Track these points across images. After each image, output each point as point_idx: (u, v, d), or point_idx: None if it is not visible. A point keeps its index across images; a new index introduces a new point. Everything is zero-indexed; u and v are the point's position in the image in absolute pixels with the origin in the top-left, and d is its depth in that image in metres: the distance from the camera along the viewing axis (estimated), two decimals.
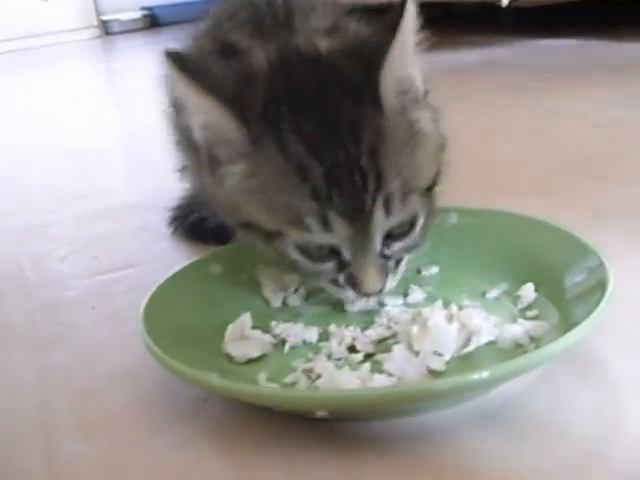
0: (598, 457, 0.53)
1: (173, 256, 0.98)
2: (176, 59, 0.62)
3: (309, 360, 0.66)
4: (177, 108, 0.88)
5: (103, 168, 1.54)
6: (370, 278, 0.64)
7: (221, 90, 0.62)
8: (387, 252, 0.65)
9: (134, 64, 3.01)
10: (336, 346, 0.66)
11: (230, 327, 0.69)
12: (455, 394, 0.55)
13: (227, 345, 0.68)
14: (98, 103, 2.38)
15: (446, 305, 0.68)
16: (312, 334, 0.69)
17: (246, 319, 0.70)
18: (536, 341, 0.63)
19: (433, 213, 0.68)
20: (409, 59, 0.64)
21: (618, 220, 0.92)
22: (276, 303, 0.76)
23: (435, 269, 0.79)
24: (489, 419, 0.58)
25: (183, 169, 0.99)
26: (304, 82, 0.63)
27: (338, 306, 0.73)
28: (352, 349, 0.66)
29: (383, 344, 0.67)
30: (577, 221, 0.79)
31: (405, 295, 0.75)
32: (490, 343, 0.64)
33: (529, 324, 0.65)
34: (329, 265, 0.65)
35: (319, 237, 0.62)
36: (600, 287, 0.61)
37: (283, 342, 0.69)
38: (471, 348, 0.63)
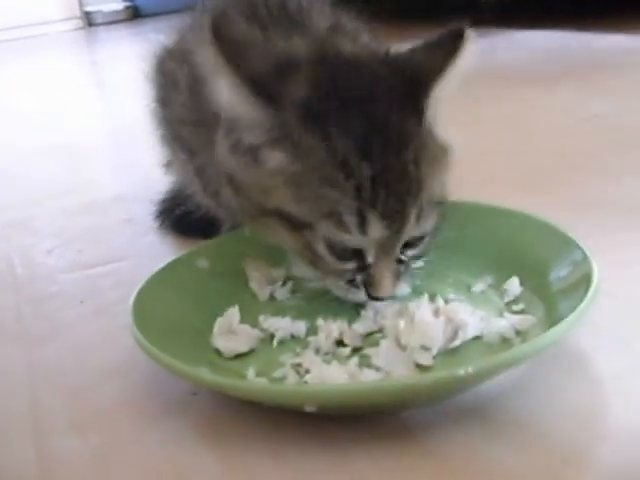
0: (582, 454, 0.54)
1: (159, 250, 0.98)
2: (218, 24, 0.62)
3: (297, 354, 0.66)
4: (164, 102, 0.88)
5: (89, 161, 1.54)
6: (387, 282, 0.65)
7: (251, 71, 0.62)
8: (402, 258, 0.66)
9: (117, 55, 2.99)
10: (324, 340, 0.67)
11: (218, 321, 0.70)
12: (442, 389, 0.56)
13: (216, 339, 0.68)
14: (82, 95, 2.36)
15: (432, 299, 0.68)
16: (300, 328, 0.70)
17: (234, 313, 0.70)
18: (522, 335, 0.64)
19: (439, 228, 0.69)
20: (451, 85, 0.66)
21: (601, 214, 0.93)
22: (263, 296, 0.77)
23: (420, 262, 0.79)
24: (473, 415, 0.58)
25: (168, 163, 1.00)
26: (350, 81, 0.64)
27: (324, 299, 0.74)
28: (340, 343, 0.67)
29: (370, 338, 0.67)
30: (561, 215, 0.79)
31: None
32: (476, 337, 0.65)
33: (515, 318, 0.66)
34: (350, 265, 0.66)
35: (352, 237, 0.62)
36: (585, 282, 0.62)
37: (271, 336, 0.69)
38: (458, 342, 0.64)
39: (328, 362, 0.63)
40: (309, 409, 0.54)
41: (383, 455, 0.55)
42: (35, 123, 1.97)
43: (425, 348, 0.62)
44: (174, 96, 0.84)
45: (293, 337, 0.69)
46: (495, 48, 2.23)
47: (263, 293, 0.77)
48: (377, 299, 0.67)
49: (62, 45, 3.65)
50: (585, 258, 0.66)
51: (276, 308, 0.74)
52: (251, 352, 0.68)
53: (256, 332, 0.69)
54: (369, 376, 0.60)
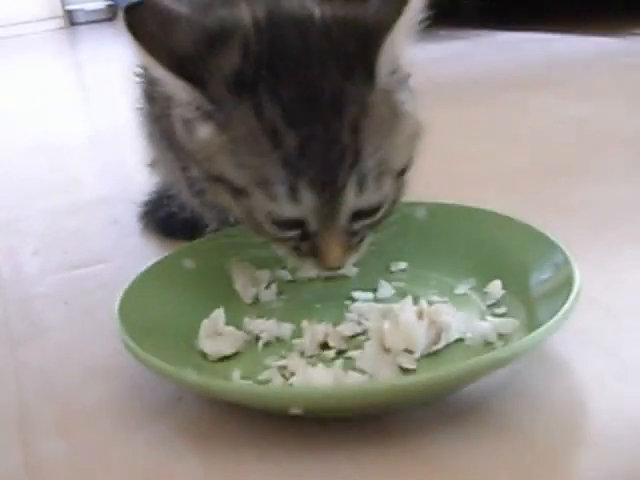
0: (564, 457, 0.55)
1: (144, 251, 0.98)
2: (131, 12, 0.60)
3: (282, 357, 0.67)
4: (150, 99, 0.88)
5: (72, 162, 1.53)
6: (333, 252, 0.63)
7: (171, 52, 0.60)
8: (353, 228, 0.64)
9: (99, 55, 2.99)
10: (309, 343, 0.67)
11: (204, 323, 0.70)
12: (425, 392, 0.57)
13: (201, 342, 0.69)
14: (65, 95, 2.36)
15: (416, 301, 0.69)
16: (285, 331, 0.70)
17: (220, 315, 0.71)
18: (505, 338, 0.65)
19: (400, 198, 0.67)
20: (408, 39, 0.63)
21: (584, 218, 0.94)
22: (248, 298, 0.77)
23: (403, 264, 0.80)
24: (456, 418, 0.59)
25: (154, 163, 1.00)
26: (291, 46, 0.61)
27: (310, 302, 0.75)
28: (324, 345, 0.68)
29: (355, 340, 0.68)
30: (543, 218, 0.80)
31: (374, 290, 0.76)
32: (459, 340, 0.66)
33: (497, 321, 0.66)
34: (292, 233, 0.64)
35: (285, 207, 0.61)
36: (567, 286, 0.63)
37: (256, 339, 0.70)
38: (441, 345, 0.64)
39: (313, 365, 0.64)
40: (295, 412, 0.55)
41: (367, 458, 0.56)
42: (17, 123, 1.97)
43: (409, 351, 0.63)
44: (159, 90, 0.83)
45: (278, 339, 0.70)
46: (477, 50, 2.25)
47: (248, 295, 0.77)
48: (328, 270, 0.65)
49: (44, 44, 3.64)
50: (567, 262, 0.66)
51: (261, 310, 0.75)
52: (236, 354, 0.69)
53: (241, 334, 0.70)
54: (354, 379, 0.60)
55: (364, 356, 0.63)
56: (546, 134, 1.33)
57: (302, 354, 0.67)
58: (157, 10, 0.62)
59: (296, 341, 0.69)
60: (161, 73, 0.61)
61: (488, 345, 0.65)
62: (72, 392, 0.69)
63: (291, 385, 0.61)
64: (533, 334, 0.57)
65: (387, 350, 0.64)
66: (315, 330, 0.68)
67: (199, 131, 0.64)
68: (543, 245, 0.72)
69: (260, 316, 0.73)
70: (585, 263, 0.67)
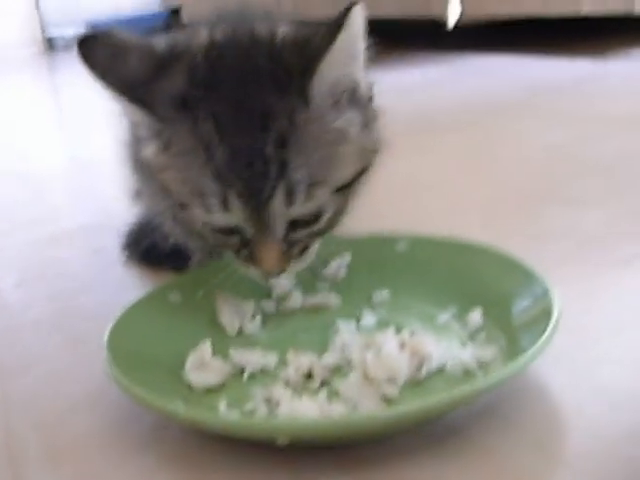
0: (542, 478, 0.56)
1: (128, 282, 1.00)
2: (84, 43, 0.66)
3: (267, 388, 0.68)
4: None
5: (51, 190, 1.54)
6: (269, 259, 0.67)
7: (121, 77, 0.66)
8: (292, 237, 0.67)
9: (78, 81, 2.97)
10: (293, 373, 0.68)
11: (191, 356, 0.71)
12: (408, 422, 0.59)
13: (188, 373, 0.70)
14: (43, 122, 2.37)
15: (398, 331, 0.71)
16: (270, 361, 0.71)
17: (206, 347, 0.72)
18: (485, 366, 0.66)
19: (345, 209, 0.71)
20: (351, 61, 0.66)
21: (563, 245, 0.95)
22: (233, 330, 0.78)
23: (386, 293, 0.82)
24: (437, 443, 0.60)
25: (138, 192, 1.01)
26: (234, 66, 0.66)
27: (294, 332, 0.77)
28: (309, 375, 0.69)
29: (338, 370, 0.69)
30: (523, 245, 0.82)
31: (358, 320, 0.77)
32: (440, 368, 0.67)
33: (478, 350, 0.68)
34: (234, 239, 0.68)
35: (219, 217, 0.66)
36: (546, 314, 0.65)
37: (242, 370, 0.71)
38: (422, 375, 0.66)
39: (299, 395, 0.65)
40: (282, 442, 0.56)
41: None
42: None
43: (391, 381, 0.65)
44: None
45: (263, 370, 0.71)
46: (456, 74, 2.27)
47: (233, 326, 0.78)
48: (268, 275, 0.70)
49: (23, 70, 3.64)
50: (546, 290, 0.68)
51: (246, 341, 0.76)
52: (222, 385, 0.70)
53: (227, 366, 0.71)
54: (338, 409, 0.62)
55: (348, 386, 0.65)
56: (526, 160, 1.35)
57: (287, 384, 0.68)
58: (109, 41, 0.67)
59: (281, 371, 0.70)
60: (116, 97, 0.66)
61: (468, 373, 0.66)
62: (60, 422, 0.70)
63: (276, 416, 0.62)
64: (512, 365, 0.59)
65: (370, 380, 0.65)
66: (300, 361, 0.69)
67: (148, 149, 0.69)
68: (522, 274, 0.74)
69: (245, 347, 0.74)
70: (563, 288, 0.68)
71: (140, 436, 0.66)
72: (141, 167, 0.87)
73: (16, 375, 0.79)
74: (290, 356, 0.71)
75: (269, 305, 0.82)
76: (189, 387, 0.69)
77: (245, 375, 0.70)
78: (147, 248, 1.02)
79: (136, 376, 0.65)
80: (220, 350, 0.73)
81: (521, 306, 0.71)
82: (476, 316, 0.73)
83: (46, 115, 2.52)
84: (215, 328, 0.78)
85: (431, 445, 0.60)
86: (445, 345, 0.69)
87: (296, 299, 0.82)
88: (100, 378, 0.71)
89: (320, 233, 0.70)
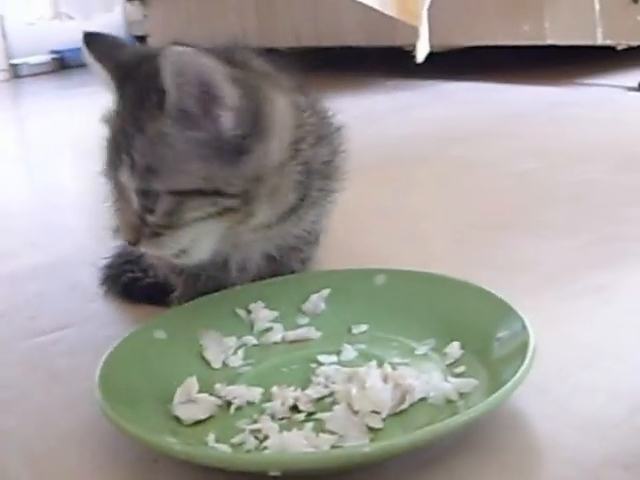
0: None
1: (108, 316, 1.01)
2: (90, 36, 0.86)
3: (254, 420, 0.70)
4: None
5: (25, 223, 1.55)
6: (124, 225, 0.80)
7: (111, 62, 0.84)
8: (143, 217, 0.78)
9: (44, 109, 3.00)
10: (279, 406, 0.70)
11: (178, 391, 0.73)
12: (393, 454, 0.61)
13: (176, 408, 0.72)
14: (8, 151, 2.37)
15: (380, 364, 0.73)
16: (255, 395, 0.73)
17: (192, 383, 0.74)
18: (465, 397, 0.69)
19: (187, 216, 0.77)
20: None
21: (532, 273, 0.99)
22: (216, 364, 0.80)
23: (364, 327, 0.84)
24: (414, 474, 0.62)
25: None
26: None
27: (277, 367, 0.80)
28: (294, 408, 0.71)
29: (322, 403, 0.71)
30: (493, 274, 0.85)
31: (338, 353, 0.80)
32: (422, 399, 0.70)
33: (458, 381, 0.70)
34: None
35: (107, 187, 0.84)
36: (522, 346, 0.68)
37: (228, 403, 0.73)
38: (405, 406, 0.68)
39: (287, 428, 0.67)
40: (273, 474, 0.58)
41: None
42: None
43: (376, 412, 0.67)
44: None
45: (249, 403, 0.73)
46: (424, 101, 2.30)
47: (217, 361, 0.80)
48: (127, 241, 0.81)
49: None
50: (523, 324, 0.72)
51: (230, 375, 0.78)
52: (209, 419, 0.71)
53: (213, 400, 0.73)
54: (325, 440, 0.64)
55: (334, 418, 0.67)
56: (493, 188, 1.39)
57: (273, 417, 0.70)
58: (108, 38, 0.87)
59: (266, 405, 0.72)
60: (103, 76, 0.82)
61: (450, 403, 0.69)
62: (49, 457, 0.71)
63: (265, 448, 0.64)
64: (495, 396, 0.62)
65: (355, 412, 0.67)
66: (285, 395, 0.71)
67: None
68: (499, 307, 0.77)
69: (230, 381, 0.76)
70: (535, 317, 0.72)
71: (131, 468, 0.67)
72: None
73: (5, 410, 0.81)
74: (275, 390, 0.73)
75: (250, 339, 0.84)
76: (177, 420, 0.71)
77: (232, 409, 0.72)
78: (126, 283, 1.03)
79: (127, 412, 0.67)
80: (206, 384, 0.75)
81: (499, 338, 0.74)
82: (455, 348, 0.76)
83: (11, 145, 2.52)
84: (200, 363, 0.80)
85: (411, 472, 0.62)
86: (426, 377, 0.71)
87: (277, 333, 0.85)
88: (86, 412, 0.74)
89: (162, 227, 0.78)
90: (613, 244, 1.06)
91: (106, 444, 0.71)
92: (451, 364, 0.75)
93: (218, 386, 0.75)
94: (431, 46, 2.09)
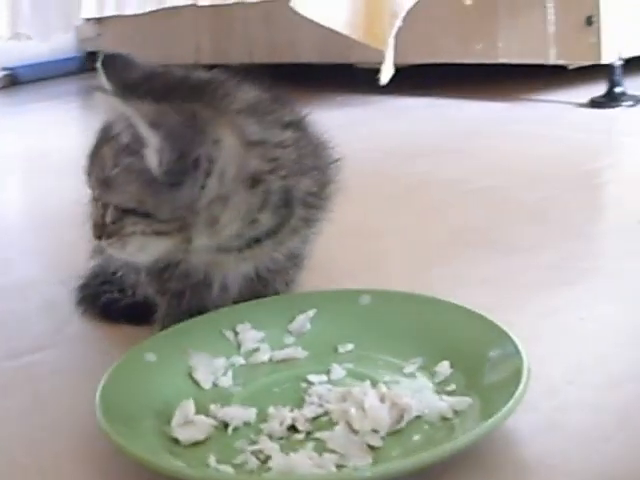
0: None
1: (87, 337, 1.02)
2: (108, 57, 0.88)
3: (252, 441, 0.71)
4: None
5: None
6: (92, 220, 0.85)
7: (116, 82, 0.86)
8: (106, 220, 0.83)
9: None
10: (278, 426, 0.72)
11: (176, 413, 0.74)
12: (395, 476, 0.63)
13: (175, 429, 0.73)
14: None
15: (374, 384, 0.75)
16: (251, 415, 0.74)
17: (189, 405, 0.75)
18: (461, 415, 0.71)
19: (126, 232, 0.82)
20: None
21: (498, 290, 1.01)
22: (207, 385, 0.81)
23: (350, 346, 0.86)
24: None
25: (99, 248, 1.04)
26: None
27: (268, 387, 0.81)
28: (291, 428, 0.72)
29: (318, 422, 0.73)
30: (458, 291, 0.87)
31: (327, 372, 0.81)
32: (417, 417, 0.71)
33: (453, 399, 0.72)
34: None
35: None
36: (517, 370, 0.70)
37: (225, 424, 0.74)
38: (403, 424, 0.70)
39: (288, 448, 0.68)
40: None
41: None
42: None
43: (375, 431, 0.69)
44: None
45: (245, 424, 0.74)
46: (376, 116, 2.32)
47: (207, 382, 0.81)
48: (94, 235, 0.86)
49: None
50: (515, 346, 0.75)
51: (222, 396, 0.79)
52: (207, 440, 0.72)
53: (210, 421, 0.74)
54: (329, 460, 0.66)
55: (335, 438, 0.69)
56: (453, 205, 1.42)
57: (271, 437, 0.71)
58: (125, 58, 0.90)
59: (263, 425, 0.73)
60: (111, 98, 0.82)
61: (445, 421, 0.71)
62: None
63: (269, 469, 0.66)
64: (492, 419, 0.65)
65: (355, 431, 0.69)
66: (283, 415, 0.73)
67: None
68: (485, 326, 0.80)
69: (224, 402, 0.77)
70: (519, 333, 0.75)
71: None
72: None
73: None
74: (272, 410, 0.74)
75: (238, 360, 0.85)
76: (175, 441, 0.72)
77: (229, 429, 0.73)
78: (105, 303, 1.04)
79: (128, 435, 0.68)
80: (199, 405, 0.76)
81: (490, 358, 0.76)
82: (445, 367, 0.78)
83: None
84: (190, 384, 0.81)
85: None
86: (420, 395, 0.73)
87: (264, 353, 0.86)
88: (78, 432, 0.75)
89: (112, 233, 0.83)
90: (581, 260, 1.10)
91: (102, 464, 0.72)
92: (441, 382, 0.77)
93: (213, 407, 0.76)
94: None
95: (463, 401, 0.72)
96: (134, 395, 0.77)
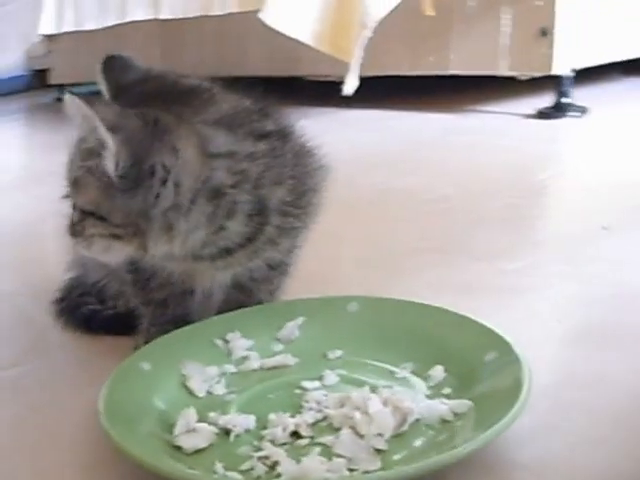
0: None
1: (68, 349, 1.01)
2: (109, 58, 0.89)
3: (256, 447, 0.72)
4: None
5: None
6: (68, 220, 0.85)
7: (110, 83, 0.89)
8: (76, 218, 0.84)
9: None
10: (280, 432, 0.73)
11: (179, 422, 0.75)
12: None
13: (177, 438, 0.73)
14: None
15: (373, 389, 0.77)
16: (251, 422, 0.75)
17: (191, 413, 0.76)
18: (462, 417, 0.73)
19: (85, 234, 0.84)
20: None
21: (483, 294, 1.04)
22: (201, 393, 0.82)
23: (339, 352, 0.87)
24: None
25: (77, 261, 1.04)
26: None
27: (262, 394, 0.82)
28: (293, 434, 0.73)
29: (318, 427, 0.74)
30: (446, 297, 0.89)
31: (320, 378, 0.82)
32: (416, 420, 0.73)
33: (453, 402, 0.74)
34: None
35: None
36: (517, 375, 0.73)
37: (225, 431, 0.75)
38: (406, 428, 0.72)
39: (295, 454, 0.70)
40: None
41: None
42: None
43: (380, 435, 0.70)
44: None
45: (246, 431, 0.75)
46: (323, 128, 2.33)
47: (201, 390, 0.82)
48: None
49: None
50: (506, 343, 0.78)
51: (218, 403, 0.80)
52: (209, 447, 0.73)
53: (212, 428, 0.75)
54: (340, 464, 0.67)
55: (341, 442, 0.70)
56: (418, 215, 1.44)
57: (273, 443, 0.72)
58: (125, 60, 0.90)
59: (265, 431, 0.74)
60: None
61: (446, 423, 0.73)
62: None
63: (279, 475, 0.67)
64: (497, 425, 0.66)
65: (361, 436, 0.70)
66: (285, 421, 0.74)
67: None
68: (476, 330, 0.82)
69: (222, 409, 0.78)
70: None
71: None
72: None
73: None
74: (273, 417, 0.75)
75: (229, 368, 0.86)
76: (178, 450, 0.72)
77: (232, 436, 0.74)
78: (87, 315, 1.03)
79: (137, 445, 0.69)
80: (198, 413, 0.76)
81: (484, 359, 0.78)
82: (438, 371, 0.80)
83: None
84: (185, 393, 0.82)
85: None
86: (418, 399, 0.75)
87: (254, 361, 0.87)
88: (73, 440, 0.76)
89: (77, 233, 0.84)
90: (551, 265, 1.13)
91: (102, 473, 0.73)
92: (435, 386, 0.79)
93: (212, 415, 0.77)
94: (337, 76, 2.13)
95: (463, 404, 0.74)
96: (134, 405, 0.77)
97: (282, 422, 0.74)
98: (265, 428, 0.74)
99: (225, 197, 0.83)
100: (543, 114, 2.18)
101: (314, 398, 0.78)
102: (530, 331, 0.93)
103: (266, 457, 0.70)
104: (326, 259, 1.20)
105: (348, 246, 1.30)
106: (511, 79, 2.22)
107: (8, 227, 1.61)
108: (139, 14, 2.59)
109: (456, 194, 1.54)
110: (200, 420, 0.76)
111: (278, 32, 2.04)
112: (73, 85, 3.18)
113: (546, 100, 2.18)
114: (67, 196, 0.86)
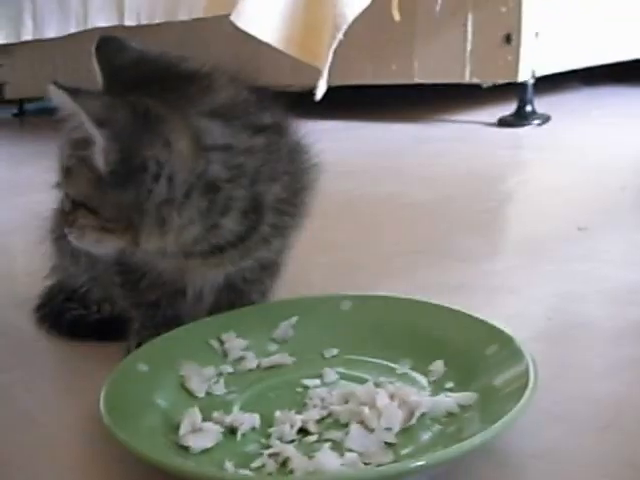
0: None
1: (54, 355, 1.00)
2: (104, 39, 0.88)
3: (264, 445, 0.72)
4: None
5: None
6: (60, 212, 0.88)
7: (104, 65, 0.87)
8: (69, 209, 0.83)
9: None
10: (288, 429, 0.72)
11: (184, 422, 0.74)
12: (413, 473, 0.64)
13: (183, 438, 0.73)
14: None
15: (377, 384, 0.77)
16: (255, 421, 0.75)
17: (195, 412, 0.75)
18: (468, 409, 0.73)
19: (77, 226, 0.83)
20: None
21: (472, 294, 1.05)
22: (200, 394, 0.81)
23: (335, 351, 0.87)
24: None
25: (58, 266, 1.03)
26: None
27: (263, 392, 0.82)
28: (300, 431, 0.73)
29: (324, 423, 0.74)
30: (437, 297, 0.89)
31: (320, 376, 0.82)
32: (423, 414, 0.73)
33: (458, 395, 0.75)
34: None
35: None
36: (518, 362, 0.74)
37: (231, 430, 0.74)
38: (413, 421, 0.72)
39: (307, 450, 0.69)
40: None
41: None
42: None
43: (388, 429, 0.71)
44: None
45: (252, 429, 0.74)
46: None
47: (200, 391, 0.82)
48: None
49: None
50: (508, 337, 0.79)
51: (220, 403, 0.80)
52: (215, 446, 0.73)
53: (218, 427, 0.74)
54: (354, 458, 0.67)
55: (352, 437, 0.70)
56: (398, 220, 1.46)
57: (281, 440, 0.72)
58: (120, 42, 0.88)
59: (272, 429, 0.73)
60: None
61: (452, 416, 0.73)
62: None
63: (292, 472, 0.66)
64: (497, 424, 0.66)
65: (371, 430, 0.70)
66: (293, 418, 0.74)
67: None
68: (472, 324, 0.83)
69: (226, 409, 0.78)
70: None
71: None
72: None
73: None
74: (279, 414, 0.75)
75: (226, 368, 0.86)
76: (184, 449, 0.72)
77: (239, 434, 0.73)
78: (72, 321, 1.02)
79: (147, 446, 0.69)
80: (202, 413, 0.76)
81: (485, 353, 0.79)
82: (439, 366, 0.81)
83: None
84: (185, 393, 0.81)
85: None
86: (422, 393, 0.76)
87: (251, 361, 0.87)
88: (69, 446, 0.75)
89: (69, 223, 0.83)
90: (536, 265, 1.15)
91: (100, 473, 0.73)
92: (437, 381, 0.79)
93: (217, 414, 0.76)
94: (300, 86, 2.13)
95: (468, 396, 0.74)
96: (136, 407, 0.77)
97: (289, 419, 0.74)
98: (271, 426, 0.74)
99: (220, 192, 0.81)
100: (505, 122, 2.21)
101: (318, 395, 0.78)
102: (522, 328, 0.92)
103: (276, 454, 0.69)
104: (309, 264, 1.20)
105: (329, 250, 1.29)
106: (476, 87, 2.24)
107: None
108: (101, 20, 2.52)
109: (432, 199, 1.56)
110: (205, 420, 0.75)
111: (244, 38, 2.02)
112: (31, 100, 3.16)
113: (510, 108, 2.21)
114: (59, 185, 0.85)
